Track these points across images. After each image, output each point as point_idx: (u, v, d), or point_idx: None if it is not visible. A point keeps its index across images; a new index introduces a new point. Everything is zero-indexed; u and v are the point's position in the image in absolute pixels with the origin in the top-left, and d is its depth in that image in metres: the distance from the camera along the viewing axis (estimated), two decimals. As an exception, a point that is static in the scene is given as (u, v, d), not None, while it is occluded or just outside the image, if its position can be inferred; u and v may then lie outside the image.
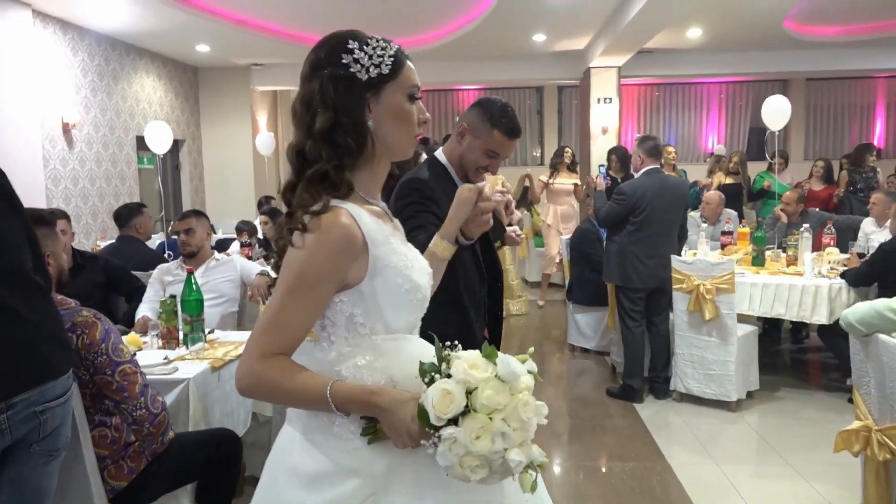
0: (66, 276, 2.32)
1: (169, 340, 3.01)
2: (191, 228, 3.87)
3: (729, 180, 7.40)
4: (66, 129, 6.79)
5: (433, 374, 1.20)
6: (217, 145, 10.29)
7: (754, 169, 7.98)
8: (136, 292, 3.95)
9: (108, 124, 7.68)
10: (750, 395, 4.62)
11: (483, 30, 8.01)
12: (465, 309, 2.20)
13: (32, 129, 6.18)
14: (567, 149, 7.55)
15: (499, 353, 1.23)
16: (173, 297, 3.12)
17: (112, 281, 4.00)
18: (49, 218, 2.54)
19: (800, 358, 5.90)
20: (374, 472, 1.29)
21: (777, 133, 6.64)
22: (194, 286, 3.04)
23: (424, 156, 3.23)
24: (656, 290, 4.65)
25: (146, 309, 3.68)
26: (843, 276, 4.46)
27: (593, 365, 5.62)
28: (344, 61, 1.33)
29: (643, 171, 4.63)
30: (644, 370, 4.74)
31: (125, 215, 4.79)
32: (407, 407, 1.22)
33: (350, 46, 1.34)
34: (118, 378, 2.05)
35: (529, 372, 1.23)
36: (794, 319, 4.67)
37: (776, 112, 6.44)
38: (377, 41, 1.37)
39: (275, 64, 10.02)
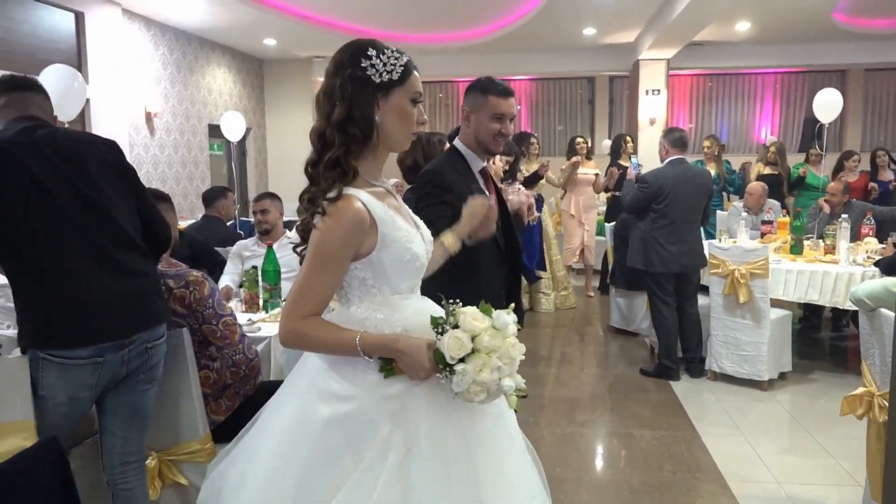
0: (176, 243, 2.72)
1: (251, 305, 3.41)
2: (266, 209, 4.26)
3: (767, 170, 7.39)
4: (149, 118, 7.33)
5: (443, 324, 1.52)
6: (280, 133, 10.76)
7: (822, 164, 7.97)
8: (218, 266, 4.32)
9: (184, 113, 8.22)
10: (783, 375, 4.81)
11: (534, 24, 8.22)
12: (481, 285, 2.40)
13: (120, 117, 6.71)
14: (579, 139, 7.36)
15: (491, 308, 1.55)
16: (255, 267, 3.51)
17: (196, 255, 4.38)
18: (167, 196, 2.96)
19: (837, 345, 6.01)
20: (391, 393, 1.56)
21: (826, 125, 6.70)
22: (273, 259, 3.43)
23: (448, 144, 3.53)
24: (682, 276, 4.86)
25: (227, 280, 4.07)
26: (876, 264, 4.61)
27: (634, 346, 5.85)
28: (363, 65, 1.58)
29: (668, 160, 4.84)
30: (678, 351, 4.98)
31: (211, 197, 5.15)
32: (421, 350, 1.51)
33: (369, 53, 1.58)
34: (221, 327, 2.45)
35: (514, 323, 1.56)
36: (828, 305, 4.83)
37: (827, 106, 6.52)
38: (392, 51, 1.61)
39: (337, 56, 10.43)
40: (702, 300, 5.01)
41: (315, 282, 1.56)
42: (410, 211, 1.79)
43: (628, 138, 7.41)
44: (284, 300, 3.69)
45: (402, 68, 1.61)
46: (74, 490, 1.39)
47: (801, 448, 3.81)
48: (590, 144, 7.60)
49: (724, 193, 7.61)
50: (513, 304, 1.61)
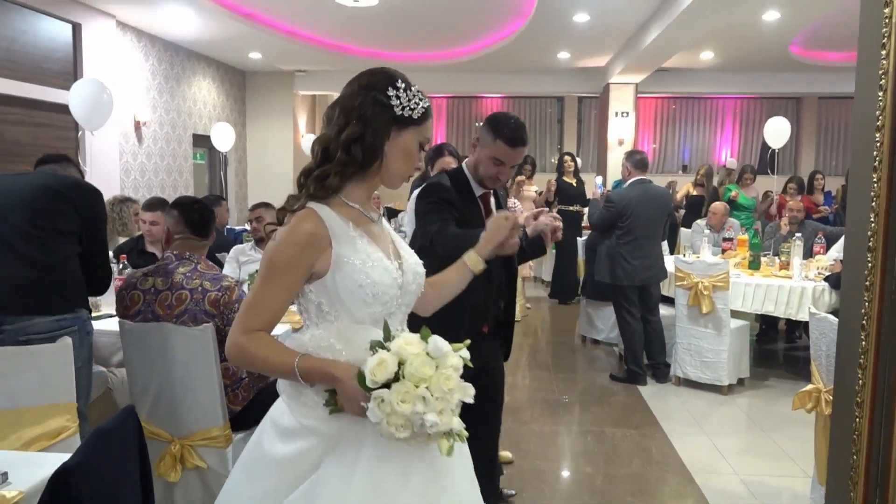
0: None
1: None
2: (261, 216, 4.47)
3: (696, 192, 7.87)
4: (137, 126, 7.46)
5: (378, 347, 1.39)
6: (260, 144, 10.92)
7: (763, 181, 8.40)
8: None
9: (170, 122, 8.36)
10: (741, 381, 5.14)
11: (512, 47, 8.55)
12: (464, 308, 2.25)
13: (111, 125, 6.85)
14: (567, 156, 7.98)
15: (432, 334, 1.40)
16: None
17: None
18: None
19: (791, 354, 6.39)
20: (329, 432, 1.47)
21: (777, 150, 7.16)
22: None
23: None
24: (645, 289, 5.20)
25: (226, 282, 4.27)
26: (826, 279, 4.98)
27: (603, 354, 6.15)
28: (389, 93, 1.54)
29: (630, 181, 5.18)
30: (644, 357, 5.29)
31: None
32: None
33: (399, 84, 1.55)
34: None
35: (462, 358, 1.41)
36: (783, 316, 5.20)
37: (777, 132, 7.00)
38: (418, 91, 1.59)
39: (317, 70, 10.65)
40: (666, 310, 5.34)
41: (264, 295, 1.48)
42: (398, 239, 1.70)
43: (567, 157, 7.90)
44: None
45: (423, 111, 1.59)
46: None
47: (758, 445, 4.13)
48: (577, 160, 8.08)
49: None
50: (467, 341, 1.47)
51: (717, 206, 6.97)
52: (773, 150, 7.32)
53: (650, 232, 5.17)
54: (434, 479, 1.49)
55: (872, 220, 2.17)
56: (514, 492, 3.35)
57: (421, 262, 1.69)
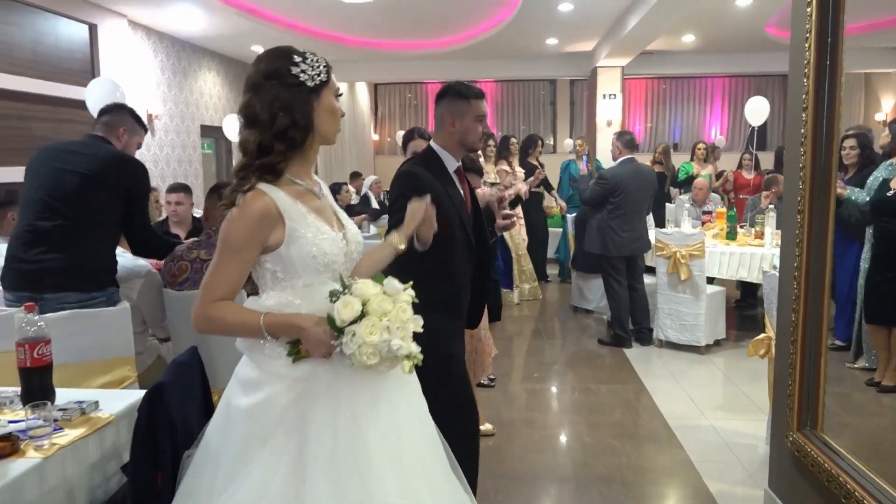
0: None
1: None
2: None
3: (656, 169, 7.91)
4: (150, 120, 7.80)
5: (339, 294, 1.55)
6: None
7: (763, 158, 8.60)
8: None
9: (179, 115, 8.71)
10: (717, 342, 5.55)
11: (503, 34, 8.86)
12: (452, 277, 2.50)
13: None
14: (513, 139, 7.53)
15: (384, 276, 1.59)
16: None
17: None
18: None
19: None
20: (297, 375, 1.58)
21: (755, 127, 7.53)
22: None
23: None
24: (632, 259, 5.59)
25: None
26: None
27: (592, 322, 6.55)
28: (293, 71, 1.60)
29: (620, 159, 5.56)
30: (629, 323, 5.69)
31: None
32: (321, 325, 1.54)
33: (296, 60, 1.61)
34: None
35: (410, 296, 1.60)
36: (755, 281, 5.60)
37: (755, 111, 7.36)
38: (312, 55, 1.65)
39: (317, 61, 10.95)
40: (649, 279, 5.73)
41: (223, 268, 1.59)
42: (340, 210, 1.81)
43: (539, 141, 7.78)
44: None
45: (325, 69, 1.65)
46: (206, 378, 1.98)
47: (729, 396, 4.55)
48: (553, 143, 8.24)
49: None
50: (411, 282, 1.62)
51: (700, 181, 7.33)
52: (753, 128, 7.67)
53: (638, 206, 5.56)
54: (397, 396, 1.67)
55: (801, 186, 2.56)
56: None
57: (360, 231, 1.87)
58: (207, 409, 1.93)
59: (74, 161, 2.97)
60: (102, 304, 2.86)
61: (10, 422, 1.85)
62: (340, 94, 1.72)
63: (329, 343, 1.53)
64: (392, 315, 1.52)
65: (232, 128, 7.95)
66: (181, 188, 4.74)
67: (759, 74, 13.01)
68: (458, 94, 2.55)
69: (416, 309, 1.61)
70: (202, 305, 1.60)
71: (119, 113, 3.21)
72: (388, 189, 2.64)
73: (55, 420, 1.83)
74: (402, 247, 1.92)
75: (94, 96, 4.82)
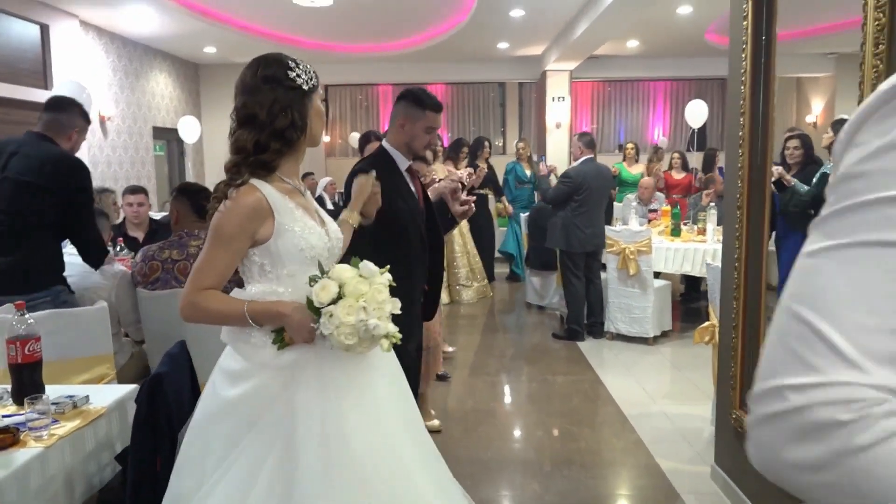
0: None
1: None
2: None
3: None
4: (102, 121, 7.70)
5: (317, 279, 1.62)
6: (213, 133, 11.14)
7: (694, 160, 9.02)
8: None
9: (131, 116, 8.60)
10: (665, 333, 5.83)
11: (455, 38, 9.02)
12: (409, 272, 2.53)
13: (79, 121, 7.12)
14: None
15: (360, 260, 1.65)
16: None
17: None
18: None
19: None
20: (282, 364, 1.64)
21: (696, 129, 7.90)
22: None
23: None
24: (592, 255, 5.82)
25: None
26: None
27: (546, 318, 6.77)
28: (290, 76, 1.72)
29: (582, 159, 5.79)
30: (584, 317, 5.93)
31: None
32: (303, 310, 1.60)
33: (291, 66, 1.73)
34: None
35: (387, 279, 1.66)
36: (698, 275, 5.90)
37: (694, 114, 7.74)
38: (303, 62, 1.77)
39: (269, 62, 10.92)
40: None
41: (213, 258, 1.66)
42: (320, 209, 1.91)
43: (486, 143, 7.85)
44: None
45: (315, 74, 1.80)
46: (194, 368, 2.07)
47: (677, 383, 4.81)
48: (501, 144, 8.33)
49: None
50: (388, 266, 1.70)
51: (647, 181, 7.64)
52: (694, 130, 8.06)
53: (600, 203, 5.80)
54: (379, 377, 1.76)
55: (740, 184, 2.79)
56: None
57: (339, 228, 1.95)
58: (195, 398, 2.03)
59: (13, 165, 2.89)
60: (48, 304, 2.81)
61: (5, 416, 1.91)
62: (324, 99, 1.86)
63: (310, 327, 1.58)
64: (368, 296, 1.56)
65: (187, 130, 7.91)
66: (140, 190, 4.75)
67: (700, 78, 13.49)
68: (415, 101, 2.66)
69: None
70: (190, 293, 1.66)
71: (71, 113, 3.09)
72: (343, 190, 2.73)
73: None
74: (354, 221, 2.07)
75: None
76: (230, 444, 1.62)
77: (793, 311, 0.56)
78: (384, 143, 2.73)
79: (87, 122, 3.22)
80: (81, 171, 3.04)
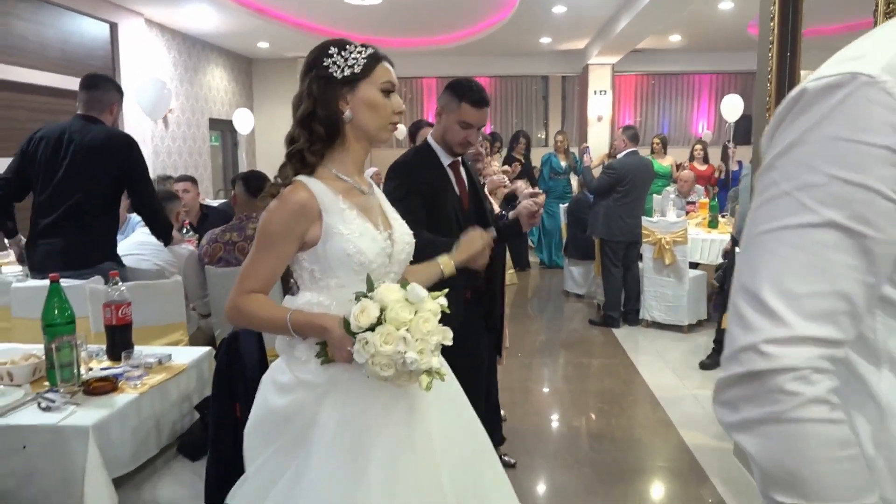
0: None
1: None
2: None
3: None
4: (164, 114, 8.14)
5: (361, 297, 1.45)
6: (267, 126, 11.56)
7: (742, 152, 9.00)
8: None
9: (190, 108, 9.03)
10: (699, 322, 5.94)
11: (498, 33, 9.19)
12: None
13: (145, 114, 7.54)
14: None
15: (410, 283, 1.48)
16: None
17: None
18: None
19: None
20: (319, 382, 1.54)
21: (731, 123, 7.94)
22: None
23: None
24: (631, 244, 5.97)
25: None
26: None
27: (583, 306, 6.93)
28: (325, 63, 1.57)
29: (626, 152, 5.93)
30: (621, 304, 6.07)
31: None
32: (343, 327, 1.46)
33: (330, 52, 1.58)
34: None
35: (441, 305, 1.48)
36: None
37: (731, 107, 7.77)
38: (355, 47, 1.59)
39: (318, 56, 11.27)
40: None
41: (258, 260, 1.56)
42: (391, 209, 1.74)
43: (521, 138, 8.10)
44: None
45: (365, 61, 1.58)
46: (262, 338, 2.32)
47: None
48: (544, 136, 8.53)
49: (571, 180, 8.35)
50: (445, 290, 1.55)
51: (686, 174, 7.70)
52: (730, 123, 8.11)
53: (641, 195, 5.95)
54: (413, 412, 1.55)
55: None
56: (513, 461, 3.34)
57: (411, 232, 1.74)
58: (263, 357, 2.27)
59: (73, 152, 3.10)
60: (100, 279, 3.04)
61: (102, 369, 2.20)
62: (390, 89, 1.62)
63: (348, 349, 1.46)
64: (412, 325, 1.41)
65: (242, 121, 8.28)
66: (186, 179, 5.06)
67: (744, 72, 13.36)
68: (453, 91, 2.47)
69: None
70: (235, 296, 1.58)
71: (106, 88, 3.27)
72: (384, 180, 2.60)
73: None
74: (447, 269, 1.84)
75: (146, 94, 5.17)
76: (267, 446, 1.61)
77: (742, 287, 0.73)
78: (429, 136, 2.59)
79: (121, 93, 3.39)
80: (132, 147, 3.22)
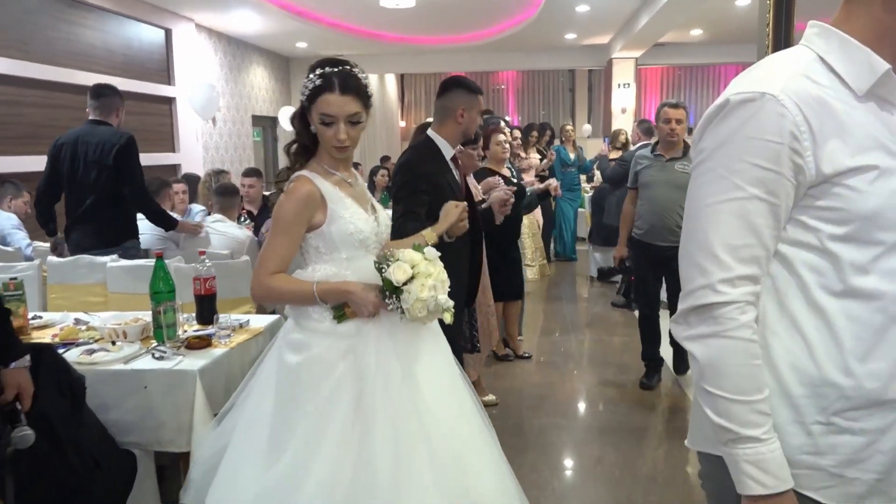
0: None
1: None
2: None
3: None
4: (213, 112, 8.65)
5: (383, 263, 1.77)
6: (305, 122, 12.03)
7: None
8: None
9: (234, 106, 9.52)
10: (716, 304, 6.23)
11: (524, 31, 9.49)
12: (454, 265, 2.38)
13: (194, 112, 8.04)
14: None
15: (423, 246, 1.84)
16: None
17: None
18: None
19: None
20: (343, 331, 1.80)
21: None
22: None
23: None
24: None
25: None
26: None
27: (606, 290, 7.25)
28: (304, 82, 1.81)
29: (640, 144, 6.23)
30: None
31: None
32: (367, 289, 1.76)
33: (310, 75, 1.79)
34: None
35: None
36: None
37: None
38: (316, 74, 1.77)
39: (353, 55, 11.68)
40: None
41: (276, 244, 1.80)
42: (372, 198, 2.02)
43: (535, 131, 7.94)
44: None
45: (309, 92, 1.78)
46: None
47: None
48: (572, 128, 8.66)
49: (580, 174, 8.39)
50: (433, 241, 1.98)
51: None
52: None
53: None
54: (433, 344, 1.94)
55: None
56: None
57: (389, 213, 2.12)
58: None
59: (90, 153, 3.68)
60: (121, 256, 3.57)
61: (194, 331, 2.64)
62: (326, 121, 1.78)
63: (377, 303, 1.76)
64: (435, 275, 1.76)
65: (285, 118, 8.74)
66: (253, 173, 5.46)
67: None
68: (468, 89, 2.74)
69: None
70: (260, 276, 1.80)
71: (111, 95, 3.84)
72: (392, 177, 2.81)
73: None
74: (431, 239, 2.11)
75: (197, 96, 5.61)
76: (295, 406, 1.77)
77: (696, 244, 1.03)
78: (430, 132, 2.78)
79: (122, 98, 3.95)
80: (130, 143, 3.73)
